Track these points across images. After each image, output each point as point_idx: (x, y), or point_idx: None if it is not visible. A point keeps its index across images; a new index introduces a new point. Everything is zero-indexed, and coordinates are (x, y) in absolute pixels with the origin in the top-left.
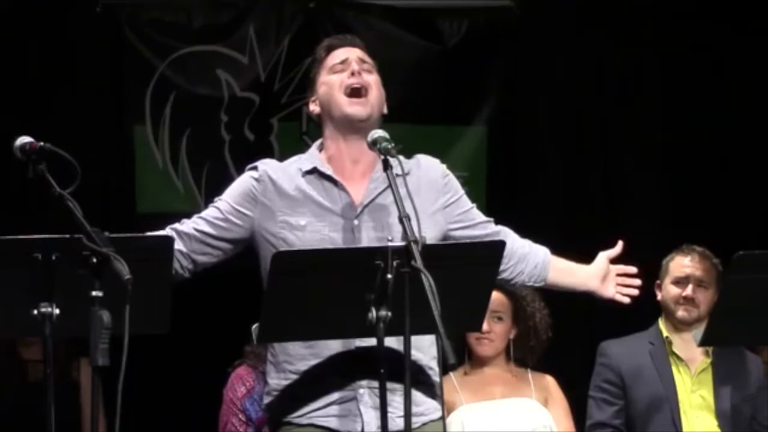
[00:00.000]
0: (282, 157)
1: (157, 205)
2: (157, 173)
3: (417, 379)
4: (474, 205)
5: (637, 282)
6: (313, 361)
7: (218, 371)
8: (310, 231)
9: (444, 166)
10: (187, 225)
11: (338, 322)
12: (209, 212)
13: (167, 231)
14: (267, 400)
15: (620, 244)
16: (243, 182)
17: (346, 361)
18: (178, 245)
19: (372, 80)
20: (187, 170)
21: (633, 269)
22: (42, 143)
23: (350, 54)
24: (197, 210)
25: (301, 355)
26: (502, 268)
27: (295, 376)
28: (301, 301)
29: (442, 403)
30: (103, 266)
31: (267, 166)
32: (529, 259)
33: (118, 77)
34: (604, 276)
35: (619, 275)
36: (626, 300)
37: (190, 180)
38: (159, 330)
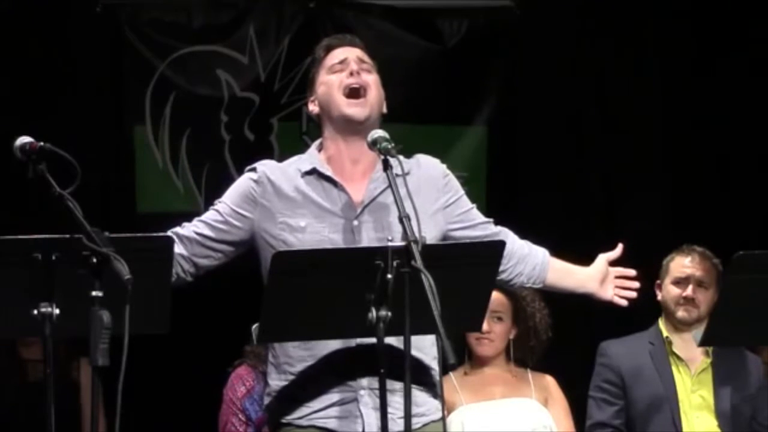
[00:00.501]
0: (282, 158)
1: (157, 205)
2: (157, 173)
3: (419, 379)
4: (474, 205)
5: (636, 284)
6: (314, 363)
7: (218, 371)
8: (310, 232)
9: (444, 166)
10: (187, 229)
11: (338, 322)
12: (209, 215)
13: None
14: (267, 401)
15: (620, 246)
16: (242, 184)
17: (346, 363)
18: (179, 249)
19: (371, 80)
20: (187, 170)
21: (632, 272)
22: (42, 143)
23: (349, 54)
24: (197, 210)
25: (302, 357)
26: (501, 268)
27: (295, 378)
28: (301, 301)
29: (443, 403)
30: (103, 266)
31: (266, 167)
32: (528, 260)
33: (118, 77)
34: (603, 278)
35: (617, 277)
36: (624, 303)
37: (190, 180)
38: (159, 330)
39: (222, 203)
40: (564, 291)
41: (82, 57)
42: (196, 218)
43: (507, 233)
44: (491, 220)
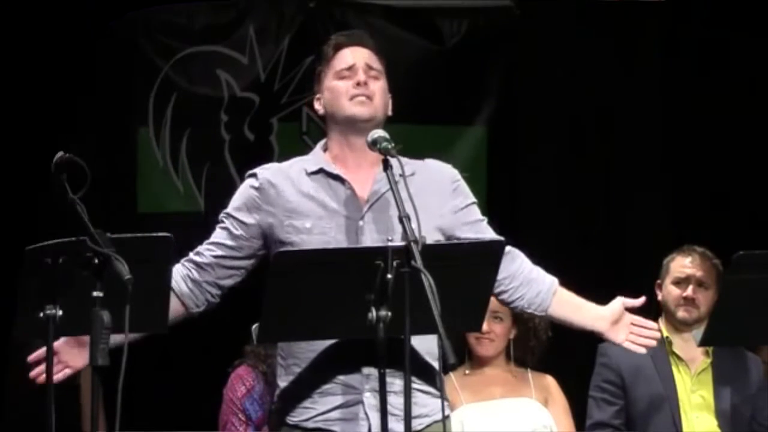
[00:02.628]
0: (282, 158)
1: (158, 205)
2: (158, 173)
3: (425, 379)
4: (485, 219)
5: (657, 335)
6: (320, 365)
7: (218, 371)
8: (317, 233)
9: (455, 171)
10: (204, 256)
11: (338, 322)
12: (220, 236)
13: (186, 265)
14: (274, 402)
15: (642, 299)
16: (244, 193)
17: (351, 365)
18: (205, 277)
19: (377, 88)
20: (187, 170)
21: (653, 324)
22: (66, 154)
23: (358, 59)
24: (197, 210)
25: (308, 359)
26: (502, 289)
27: (302, 380)
28: (301, 301)
29: (443, 403)
30: (104, 267)
31: (266, 171)
32: (532, 285)
33: (121, 79)
34: (615, 320)
35: (635, 325)
36: (642, 350)
37: (190, 180)
38: (158, 330)
39: (229, 219)
40: (571, 326)
41: (83, 58)
42: (207, 242)
43: (516, 254)
44: (503, 239)
